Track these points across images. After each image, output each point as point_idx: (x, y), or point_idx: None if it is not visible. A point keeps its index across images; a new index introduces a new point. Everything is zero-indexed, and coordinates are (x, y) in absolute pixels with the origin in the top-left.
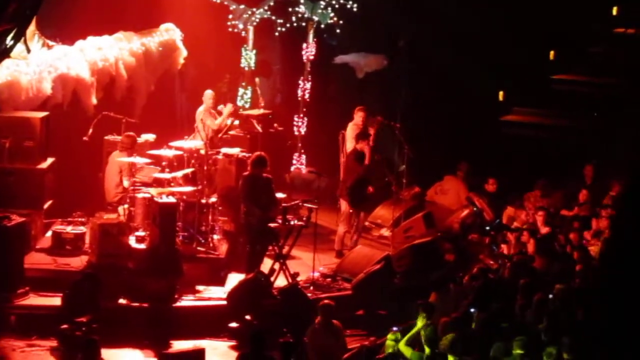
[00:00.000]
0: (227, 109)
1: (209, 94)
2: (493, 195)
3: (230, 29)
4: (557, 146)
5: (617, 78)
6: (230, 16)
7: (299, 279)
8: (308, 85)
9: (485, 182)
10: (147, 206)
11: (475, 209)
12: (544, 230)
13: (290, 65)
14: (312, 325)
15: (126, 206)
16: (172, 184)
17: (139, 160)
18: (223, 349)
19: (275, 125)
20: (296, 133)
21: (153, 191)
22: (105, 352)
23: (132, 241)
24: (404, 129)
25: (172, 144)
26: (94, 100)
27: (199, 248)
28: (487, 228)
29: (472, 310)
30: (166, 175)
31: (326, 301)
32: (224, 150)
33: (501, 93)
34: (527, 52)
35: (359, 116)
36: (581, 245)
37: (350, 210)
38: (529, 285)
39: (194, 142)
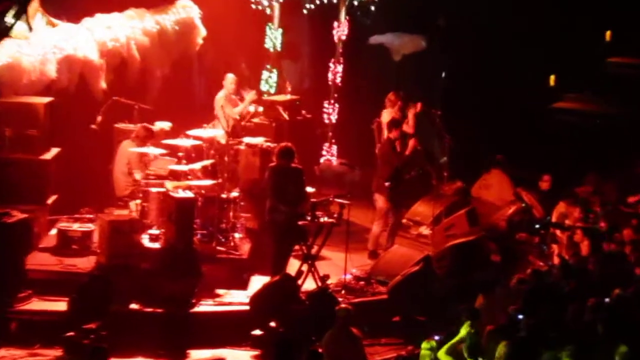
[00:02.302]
0: (249, 95)
1: (230, 78)
2: (546, 193)
3: (253, 6)
4: (612, 135)
5: None
6: None
7: (329, 282)
8: (339, 68)
9: (539, 178)
10: (162, 201)
11: (523, 205)
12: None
13: (320, 47)
14: (329, 331)
15: (139, 201)
16: (190, 177)
17: (152, 150)
18: (245, 358)
19: (304, 112)
20: (326, 121)
21: (169, 185)
22: None
23: (145, 240)
24: (445, 117)
25: (189, 132)
26: (103, 85)
27: (219, 248)
28: (537, 226)
29: (519, 316)
30: (183, 168)
31: (343, 305)
32: (247, 140)
33: (552, 77)
34: (581, 33)
35: (389, 101)
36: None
37: (387, 207)
38: (581, 290)
39: (214, 131)
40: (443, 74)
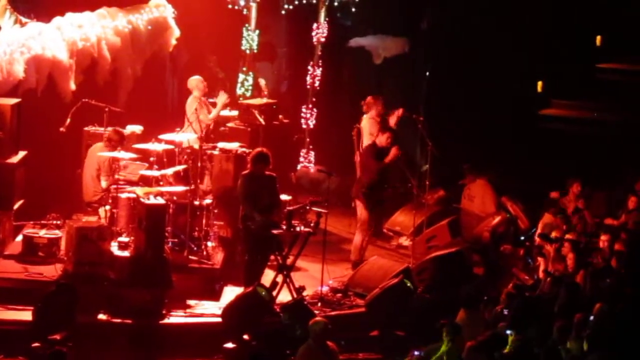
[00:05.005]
0: (220, 99)
1: (196, 80)
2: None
3: (229, 6)
4: (603, 144)
5: None
6: None
7: (304, 293)
8: (318, 71)
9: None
10: (132, 208)
11: (508, 215)
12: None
13: (298, 49)
14: (304, 345)
15: (108, 207)
16: (161, 183)
17: (123, 155)
18: None
19: (280, 117)
20: (304, 126)
21: (139, 191)
22: None
23: (114, 248)
24: (428, 122)
25: (161, 137)
26: (73, 86)
27: (190, 257)
28: (522, 238)
29: (508, 332)
30: (154, 173)
31: (319, 318)
32: (221, 145)
33: (539, 83)
34: (570, 37)
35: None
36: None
37: (367, 215)
38: (568, 305)
39: (187, 135)
40: (426, 78)
